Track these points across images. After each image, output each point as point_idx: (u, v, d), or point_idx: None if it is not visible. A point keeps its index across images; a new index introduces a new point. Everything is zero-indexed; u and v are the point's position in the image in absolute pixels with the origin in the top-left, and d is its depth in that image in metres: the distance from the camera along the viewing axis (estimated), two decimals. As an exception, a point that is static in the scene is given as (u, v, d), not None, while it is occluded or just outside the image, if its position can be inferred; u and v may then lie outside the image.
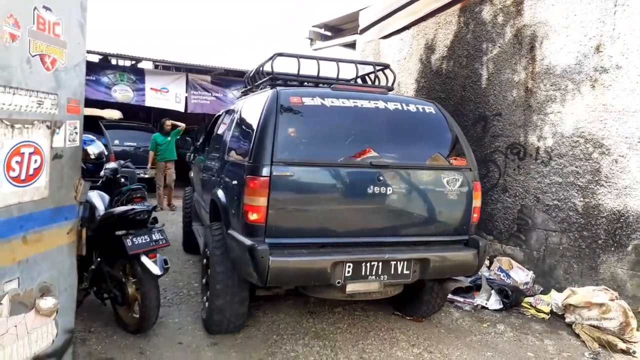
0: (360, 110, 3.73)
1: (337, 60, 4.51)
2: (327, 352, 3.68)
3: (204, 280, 4.18)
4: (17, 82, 1.93)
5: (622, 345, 3.94)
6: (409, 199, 3.62)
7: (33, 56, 2.02)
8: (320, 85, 4.35)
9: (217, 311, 3.72)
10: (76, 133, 2.39)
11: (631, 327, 4.10)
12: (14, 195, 1.96)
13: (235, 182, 3.62)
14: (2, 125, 1.86)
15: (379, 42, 7.66)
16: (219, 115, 5.76)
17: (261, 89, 4.36)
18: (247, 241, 3.23)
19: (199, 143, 6.56)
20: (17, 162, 1.97)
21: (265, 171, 3.21)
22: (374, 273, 3.47)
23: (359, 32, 8.08)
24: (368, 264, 3.45)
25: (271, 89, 3.84)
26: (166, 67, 14.27)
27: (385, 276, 3.50)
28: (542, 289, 5.07)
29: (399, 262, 3.53)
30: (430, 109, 4.00)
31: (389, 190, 3.51)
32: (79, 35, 2.34)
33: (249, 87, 5.09)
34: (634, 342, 4.03)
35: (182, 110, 14.34)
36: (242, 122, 4.23)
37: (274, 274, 3.18)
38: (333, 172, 3.47)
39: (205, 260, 4.13)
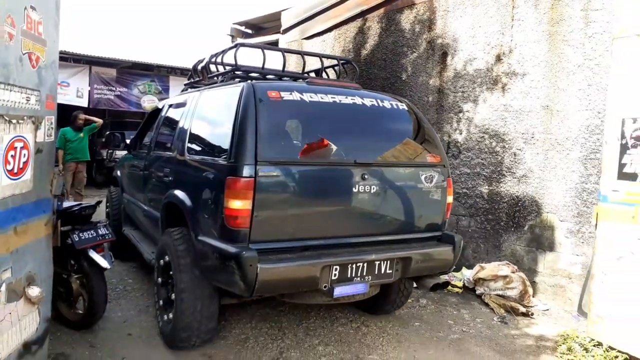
0: (339, 106, 3.57)
1: (303, 53, 4.51)
2: (274, 332, 3.97)
3: (159, 294, 3.82)
4: (13, 79, 2.01)
5: (522, 309, 4.67)
6: (391, 196, 3.56)
7: (23, 54, 2.11)
8: (284, 79, 4.18)
9: (185, 328, 3.39)
10: (52, 128, 2.47)
11: (529, 294, 4.86)
12: (9, 188, 2.05)
13: (208, 183, 3.36)
14: (2, 121, 1.95)
15: (302, 42, 8.03)
16: (158, 109, 5.29)
17: (222, 81, 4.11)
18: (231, 248, 2.97)
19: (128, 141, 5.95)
20: (11, 156, 2.05)
21: (249, 171, 2.97)
22: (359, 274, 3.36)
23: (281, 31, 8.38)
24: (354, 266, 3.32)
25: (240, 82, 3.64)
26: (65, 59, 13.63)
27: (370, 277, 3.40)
28: (454, 267, 5.76)
29: (382, 262, 3.44)
30: (403, 105, 3.96)
31: (373, 188, 3.40)
32: (55, 33, 2.42)
33: (198, 79, 4.74)
34: (531, 306, 4.79)
35: (86, 105, 13.76)
36: (206, 117, 3.97)
37: (263, 283, 2.96)
38: (318, 171, 3.33)
39: (160, 271, 3.80)
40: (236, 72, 4.03)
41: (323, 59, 4.54)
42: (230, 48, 4.16)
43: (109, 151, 6.32)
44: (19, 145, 2.10)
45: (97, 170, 12.54)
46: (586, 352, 3.76)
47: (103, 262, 3.77)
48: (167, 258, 3.63)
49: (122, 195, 5.77)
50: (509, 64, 5.37)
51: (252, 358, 3.53)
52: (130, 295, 4.77)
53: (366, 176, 3.36)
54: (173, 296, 3.50)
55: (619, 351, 3.63)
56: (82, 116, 8.62)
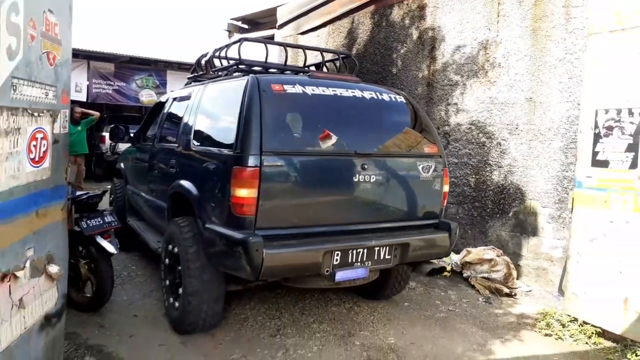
0: (340, 99, 3.68)
1: (305, 48, 4.67)
2: (272, 312, 4.22)
3: (167, 281, 3.96)
4: (35, 76, 2.24)
5: (506, 290, 4.94)
6: (390, 185, 3.68)
7: (43, 53, 2.33)
8: (286, 72, 4.30)
9: (193, 310, 3.55)
10: (66, 121, 2.70)
11: (512, 276, 5.13)
12: (32, 174, 2.28)
13: (215, 173, 3.50)
14: (27, 114, 2.18)
15: (297, 37, 8.25)
16: (161, 103, 5.41)
17: (226, 75, 4.24)
18: (237, 234, 3.11)
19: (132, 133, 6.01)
20: (34, 145, 2.28)
21: (254, 161, 3.11)
22: (359, 260, 3.48)
23: (277, 27, 8.60)
24: (354, 251, 3.45)
25: (244, 75, 3.71)
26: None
27: (370, 262, 3.53)
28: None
29: (382, 248, 3.56)
30: (401, 98, 4.07)
31: (372, 177, 3.53)
32: (68, 33, 2.65)
33: (201, 73, 4.87)
34: (515, 288, 5.06)
35: (84, 99, 13.97)
36: (211, 110, 4.09)
37: (268, 267, 3.09)
38: (320, 161, 3.45)
39: (167, 260, 3.94)
40: (239, 66, 4.13)
41: (323, 52, 4.70)
42: (234, 43, 4.26)
43: (112, 144, 6.43)
44: (39, 136, 2.33)
45: (97, 164, 12.74)
46: (563, 327, 4.03)
47: (110, 248, 4.01)
48: (174, 246, 3.75)
49: (126, 187, 5.86)
50: (495, 57, 5.61)
51: (251, 335, 3.78)
52: (135, 281, 5.02)
53: (366, 166, 3.49)
54: (180, 283, 3.63)
55: (592, 325, 3.91)
56: (79, 109, 8.73)
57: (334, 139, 3.37)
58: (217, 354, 3.49)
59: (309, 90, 3.53)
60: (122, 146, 6.46)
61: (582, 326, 3.96)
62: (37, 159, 2.33)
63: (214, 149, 3.60)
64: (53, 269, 2.51)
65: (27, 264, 2.27)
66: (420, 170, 3.81)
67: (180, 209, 3.93)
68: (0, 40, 1.91)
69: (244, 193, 3.10)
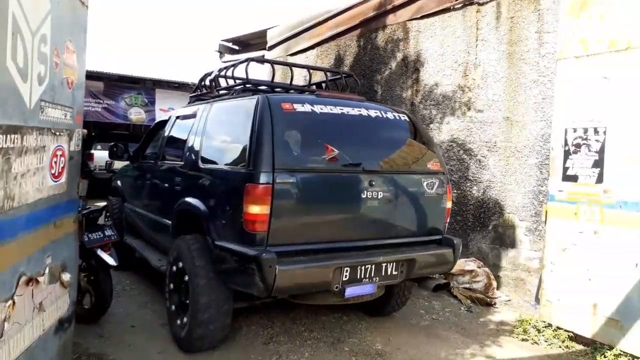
0: (347, 117, 3.75)
1: (310, 68, 4.95)
2: (265, 321, 4.42)
3: (171, 299, 3.94)
4: (57, 99, 2.47)
5: (487, 300, 5.21)
6: (396, 201, 3.75)
7: (63, 78, 2.57)
8: (291, 91, 4.37)
9: (200, 331, 3.54)
10: (79, 139, 2.93)
11: (493, 286, 5.41)
12: (52, 189, 2.50)
13: (226, 191, 3.54)
14: (50, 133, 2.41)
15: (287, 58, 8.56)
16: (163, 121, 5.39)
17: (233, 94, 4.32)
18: (250, 251, 3.14)
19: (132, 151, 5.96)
20: (54, 162, 2.50)
21: (267, 178, 3.17)
22: (367, 276, 3.52)
23: (267, 48, 8.91)
24: (363, 267, 3.49)
25: (252, 94, 3.81)
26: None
27: (377, 278, 3.58)
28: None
29: (389, 264, 3.61)
30: (404, 116, 4.16)
31: (380, 194, 3.60)
32: (83, 59, 2.89)
33: (205, 92, 4.94)
34: (495, 297, 5.34)
35: None
36: (220, 128, 4.12)
37: (281, 284, 3.12)
38: (329, 178, 3.52)
39: (173, 277, 3.93)
40: (246, 86, 4.22)
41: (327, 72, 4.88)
42: (241, 62, 4.35)
43: (108, 162, 6.47)
44: (59, 153, 2.55)
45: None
46: (538, 333, 4.30)
47: (110, 260, 4.19)
48: (181, 264, 3.76)
49: (123, 205, 5.84)
50: (474, 79, 5.97)
51: (245, 342, 3.97)
52: (130, 294, 5.18)
53: (373, 183, 3.57)
54: (187, 301, 3.62)
55: (565, 330, 4.19)
56: None
57: (335, 153, 3.46)
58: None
59: (318, 109, 3.62)
60: (119, 164, 6.41)
61: (556, 331, 4.23)
62: (56, 174, 2.55)
63: (225, 167, 3.66)
64: (66, 276, 2.71)
65: (47, 271, 2.47)
66: (425, 187, 3.89)
67: (186, 226, 3.97)
68: (33, 68, 2.15)
69: (257, 210, 3.15)
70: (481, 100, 5.90)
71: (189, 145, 4.28)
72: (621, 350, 3.79)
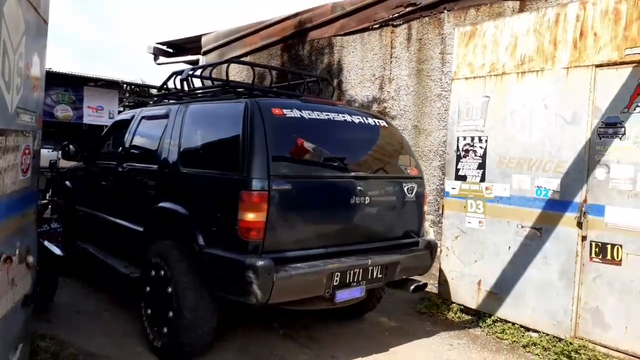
0: (334, 123, 3.77)
1: (289, 71, 5.04)
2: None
3: (149, 307, 3.86)
4: (27, 105, 2.89)
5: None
6: (381, 206, 3.83)
7: (32, 87, 3.00)
8: (269, 94, 4.26)
9: (186, 340, 3.48)
10: (40, 140, 3.35)
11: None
12: (22, 182, 2.91)
13: (217, 197, 3.46)
14: (22, 135, 2.83)
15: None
16: (124, 121, 5.10)
17: (212, 96, 4.22)
18: (247, 258, 3.09)
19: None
20: (24, 159, 2.92)
21: (263, 185, 3.13)
22: (355, 280, 3.56)
23: (202, 53, 9.33)
24: (352, 272, 3.52)
25: (236, 97, 3.82)
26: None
27: (365, 281, 3.63)
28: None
29: (375, 267, 3.65)
30: (383, 122, 4.24)
31: (367, 199, 3.66)
32: (43, 69, 3.32)
33: (175, 92, 4.80)
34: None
35: None
36: (201, 131, 3.99)
37: (277, 290, 3.11)
38: (321, 184, 3.54)
39: (148, 286, 3.85)
40: (226, 87, 4.17)
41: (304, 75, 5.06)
42: (221, 63, 4.45)
43: (52, 161, 6.26)
44: (27, 152, 2.97)
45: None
46: (436, 308, 5.14)
47: (57, 250, 4.56)
48: (162, 271, 3.65)
49: (75, 208, 5.60)
50: (389, 91, 6.80)
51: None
52: (73, 286, 5.45)
53: (361, 188, 3.63)
54: (169, 309, 3.54)
55: (456, 304, 5.06)
56: None
57: (309, 147, 3.47)
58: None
59: (306, 114, 3.61)
60: (64, 163, 6.14)
61: (450, 305, 5.09)
62: (25, 169, 2.97)
63: (214, 173, 3.55)
64: (30, 259, 3.12)
65: (17, 252, 2.88)
66: (405, 191, 4.00)
67: (161, 232, 3.91)
68: (14, 81, 2.58)
69: (253, 217, 3.11)
70: (394, 110, 6.73)
71: (164, 147, 4.12)
72: (498, 317, 4.70)
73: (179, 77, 4.63)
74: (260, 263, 3.06)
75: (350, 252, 3.63)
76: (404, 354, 4.08)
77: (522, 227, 4.51)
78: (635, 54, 3.81)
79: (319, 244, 3.51)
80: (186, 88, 4.64)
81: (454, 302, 5.10)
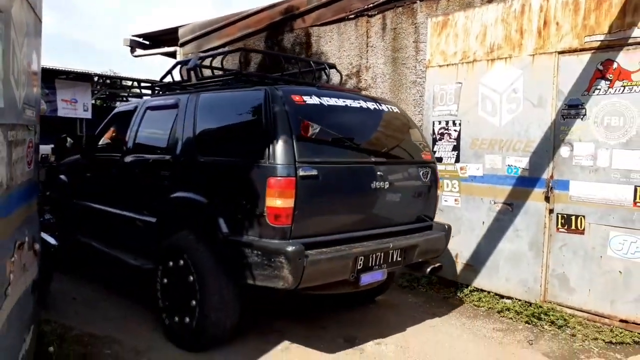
0: (352, 109, 3.81)
1: (297, 59, 4.97)
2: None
3: (167, 298, 3.87)
4: (29, 101, 3.03)
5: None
6: (399, 191, 3.89)
7: (31, 83, 3.15)
8: (279, 82, 4.19)
9: (213, 327, 3.51)
10: (38, 133, 3.49)
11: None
12: (27, 174, 3.07)
13: (242, 184, 3.43)
14: (26, 129, 2.99)
15: (199, 55, 9.13)
16: (127, 111, 5.02)
17: (224, 84, 4.21)
18: (277, 244, 3.15)
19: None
20: (28, 152, 3.08)
21: (291, 171, 3.16)
22: (377, 263, 3.63)
23: (179, 44, 9.40)
24: (374, 255, 3.57)
25: (253, 86, 3.79)
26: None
27: (385, 265, 3.69)
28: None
29: (395, 251, 3.71)
30: (396, 108, 4.28)
31: (386, 184, 3.71)
32: (39, 65, 3.46)
33: (181, 81, 4.75)
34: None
35: None
36: (218, 119, 3.99)
37: (308, 275, 3.14)
38: (344, 169, 3.57)
39: (165, 277, 3.86)
40: (239, 76, 4.14)
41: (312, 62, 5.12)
42: (233, 51, 4.57)
43: (43, 155, 6.03)
44: (30, 145, 3.13)
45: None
46: (417, 282, 5.46)
47: (51, 240, 4.71)
48: (180, 261, 3.68)
49: (71, 201, 5.50)
50: (366, 79, 7.05)
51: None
52: (66, 277, 5.56)
53: (381, 173, 3.68)
54: (192, 300, 3.56)
55: (437, 277, 5.39)
56: None
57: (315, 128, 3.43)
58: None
59: (324, 100, 3.64)
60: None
61: (431, 278, 5.43)
62: (29, 162, 3.13)
63: (235, 160, 3.55)
64: (36, 246, 3.29)
65: (26, 240, 3.05)
66: (421, 176, 4.08)
67: (178, 221, 3.91)
68: (21, 79, 2.74)
69: (281, 203, 3.15)
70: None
71: (177, 137, 4.10)
72: (474, 287, 5.06)
73: (185, 67, 4.54)
74: (291, 248, 3.10)
75: (371, 237, 3.68)
76: (389, 322, 4.39)
77: (494, 203, 4.85)
78: (594, 41, 4.16)
79: (342, 229, 3.55)
80: (193, 77, 4.56)
81: (434, 276, 5.43)
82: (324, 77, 5.20)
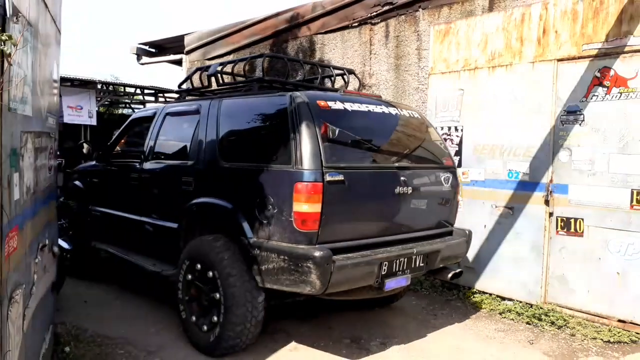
0: (375, 115, 3.83)
1: (319, 65, 5.06)
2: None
3: (190, 304, 3.87)
4: (52, 110, 3.20)
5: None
6: (423, 196, 3.90)
7: (54, 93, 3.30)
8: (300, 88, 4.23)
9: (235, 336, 3.50)
10: (57, 140, 3.64)
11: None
12: (49, 179, 3.22)
13: (268, 189, 3.43)
14: (49, 136, 3.14)
15: (205, 62, 9.30)
16: (145, 118, 5.10)
17: (246, 90, 4.25)
18: (306, 249, 3.14)
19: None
20: (50, 158, 3.23)
21: (318, 176, 3.17)
22: (401, 269, 3.62)
23: (185, 52, 9.57)
24: (397, 261, 3.56)
25: (277, 92, 3.83)
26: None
27: (409, 270, 3.68)
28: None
29: (418, 256, 3.71)
30: (416, 114, 4.30)
31: (409, 189, 3.70)
32: (59, 74, 3.61)
33: (201, 88, 4.76)
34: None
35: None
36: (242, 126, 4.00)
37: (335, 280, 3.14)
38: (369, 175, 3.60)
39: (188, 281, 3.85)
40: (261, 82, 4.18)
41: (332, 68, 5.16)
42: (254, 57, 4.57)
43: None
44: (51, 151, 3.28)
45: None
46: (420, 284, 5.59)
47: (65, 245, 4.84)
48: (203, 267, 3.67)
49: (87, 208, 5.54)
50: (370, 85, 7.20)
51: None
52: (76, 281, 5.70)
53: (404, 178, 3.68)
54: (216, 305, 3.56)
55: (440, 280, 5.51)
56: None
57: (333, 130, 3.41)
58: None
59: (348, 106, 3.66)
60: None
61: (432, 281, 5.55)
62: (50, 167, 3.27)
63: (260, 165, 3.54)
64: (55, 248, 3.43)
65: (47, 242, 3.19)
66: (442, 181, 4.08)
67: (201, 226, 3.95)
68: (45, 90, 2.89)
69: (309, 208, 3.16)
70: (375, 103, 7.12)
71: (200, 143, 4.12)
72: (476, 289, 5.18)
73: (205, 73, 4.60)
74: (319, 253, 3.09)
75: (395, 242, 3.68)
76: (393, 323, 4.51)
77: (496, 207, 4.98)
78: (591, 49, 4.30)
79: (366, 234, 3.56)
80: (214, 84, 4.62)
81: (436, 278, 5.55)
82: (342, 83, 5.21)
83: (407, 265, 3.66)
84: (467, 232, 4.33)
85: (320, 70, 5.01)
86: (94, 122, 15.00)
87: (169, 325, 4.33)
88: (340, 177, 3.28)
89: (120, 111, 20.43)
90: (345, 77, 5.02)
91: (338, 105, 3.60)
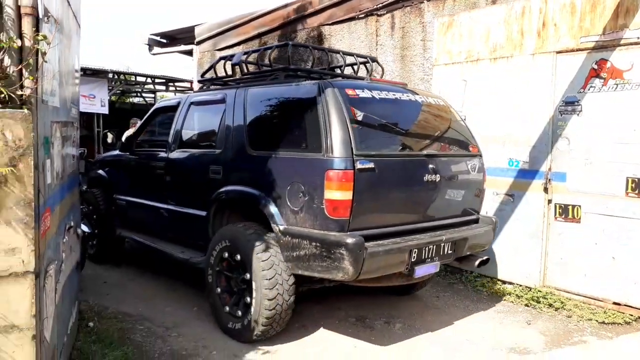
0: (402, 102, 3.83)
1: (343, 53, 4.96)
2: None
3: (220, 293, 3.91)
4: (74, 100, 3.42)
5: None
6: (450, 184, 3.89)
7: (75, 84, 3.51)
8: (324, 77, 4.26)
9: (267, 321, 3.53)
10: (79, 129, 3.87)
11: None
12: (72, 165, 3.45)
13: (299, 177, 3.46)
14: (73, 125, 3.36)
15: (215, 52, 9.49)
16: (169, 107, 5.10)
17: (272, 79, 4.23)
18: (338, 236, 3.18)
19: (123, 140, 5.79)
20: (74, 146, 3.46)
21: (349, 164, 3.20)
22: (430, 256, 3.63)
23: (195, 43, 9.75)
24: (426, 248, 3.58)
25: (305, 80, 3.85)
26: None
27: (437, 257, 3.70)
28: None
29: (447, 244, 3.72)
30: (442, 101, 4.29)
31: (438, 177, 3.71)
32: (79, 66, 3.83)
33: (227, 77, 4.77)
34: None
35: None
36: (269, 114, 4.01)
37: (368, 266, 3.17)
38: (399, 162, 3.62)
39: (220, 271, 3.91)
40: (286, 71, 4.20)
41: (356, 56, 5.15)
42: (279, 46, 4.59)
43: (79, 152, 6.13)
44: (75, 139, 3.51)
45: None
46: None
47: (85, 228, 5.09)
48: (233, 254, 3.73)
49: (112, 197, 5.61)
50: (376, 76, 7.34)
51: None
52: (100, 265, 5.94)
53: (433, 166, 3.69)
54: (247, 292, 3.63)
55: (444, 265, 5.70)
56: None
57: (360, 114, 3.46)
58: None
59: (375, 94, 3.68)
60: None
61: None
62: (73, 155, 3.50)
63: (290, 153, 3.59)
64: (79, 230, 3.67)
65: (72, 224, 3.43)
66: (469, 169, 4.08)
67: (230, 214, 4.05)
68: (68, 81, 3.10)
69: (340, 195, 3.19)
70: (382, 93, 7.28)
71: (227, 131, 4.17)
72: (478, 274, 5.38)
73: (229, 62, 4.66)
74: (352, 240, 3.13)
75: (423, 229, 3.71)
76: (397, 305, 4.73)
77: (497, 194, 5.16)
78: (589, 42, 4.44)
79: (396, 221, 3.59)
80: (238, 73, 4.67)
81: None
82: (366, 71, 5.15)
83: (435, 253, 3.68)
84: (494, 219, 4.35)
85: (342, 60, 5.00)
86: (105, 110, 15.29)
87: (184, 305, 4.60)
88: (371, 165, 3.31)
89: (131, 100, 20.72)
90: (367, 65, 5.03)
91: (366, 94, 3.62)
